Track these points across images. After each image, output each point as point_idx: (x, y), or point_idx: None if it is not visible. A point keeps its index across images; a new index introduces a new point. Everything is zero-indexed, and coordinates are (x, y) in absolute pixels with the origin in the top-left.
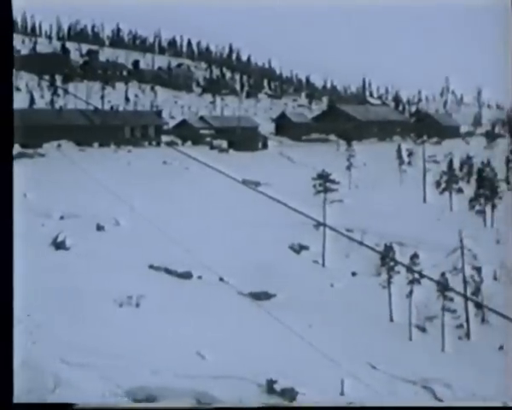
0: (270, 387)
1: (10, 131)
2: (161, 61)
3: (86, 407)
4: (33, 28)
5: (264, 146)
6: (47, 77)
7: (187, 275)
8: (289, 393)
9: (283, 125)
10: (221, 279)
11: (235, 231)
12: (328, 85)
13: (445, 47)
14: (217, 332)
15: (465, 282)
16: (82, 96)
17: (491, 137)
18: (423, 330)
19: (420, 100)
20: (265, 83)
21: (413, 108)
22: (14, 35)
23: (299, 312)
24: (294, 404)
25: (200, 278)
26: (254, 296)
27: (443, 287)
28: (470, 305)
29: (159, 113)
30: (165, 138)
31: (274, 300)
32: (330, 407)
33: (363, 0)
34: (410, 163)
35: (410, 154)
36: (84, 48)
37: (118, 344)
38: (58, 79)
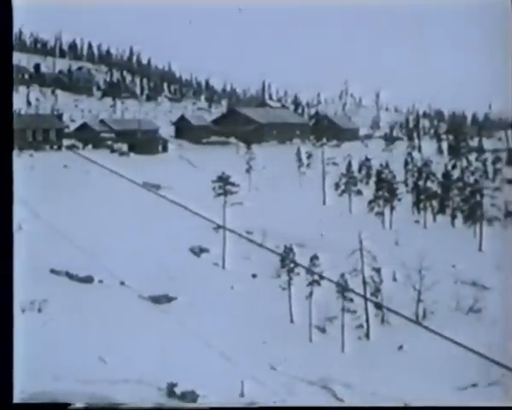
0: (170, 390)
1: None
2: (62, 65)
3: (83, 407)
4: None
5: (164, 149)
6: None
7: (88, 279)
8: (190, 396)
9: (183, 129)
10: (122, 283)
11: (136, 234)
12: (228, 88)
13: (345, 50)
14: (118, 336)
15: (365, 283)
16: None
17: (389, 139)
18: (323, 330)
19: (319, 103)
20: (165, 86)
21: (312, 111)
22: None
23: (200, 314)
24: (292, 404)
25: (101, 282)
26: (155, 300)
27: (342, 288)
28: (370, 305)
29: (59, 116)
30: (66, 142)
31: (174, 303)
32: (328, 407)
33: (261, 2)
34: (309, 165)
35: (310, 156)
36: None
37: (20, 349)
38: None
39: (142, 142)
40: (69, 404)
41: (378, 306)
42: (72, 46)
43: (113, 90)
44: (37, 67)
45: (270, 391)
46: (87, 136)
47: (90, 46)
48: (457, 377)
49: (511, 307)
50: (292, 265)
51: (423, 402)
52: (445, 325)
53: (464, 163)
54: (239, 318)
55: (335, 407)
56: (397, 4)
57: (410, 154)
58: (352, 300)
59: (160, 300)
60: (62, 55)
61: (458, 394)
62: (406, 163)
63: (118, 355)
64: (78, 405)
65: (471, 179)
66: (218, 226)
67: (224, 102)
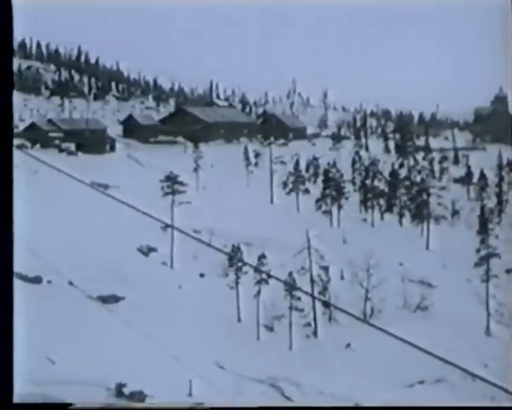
0: (119, 391)
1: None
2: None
3: (84, 407)
4: None
5: (112, 148)
6: None
7: (37, 280)
8: (138, 396)
9: (131, 128)
10: (70, 283)
11: (84, 234)
12: (176, 88)
13: (292, 49)
14: (66, 336)
15: (312, 281)
16: None
17: (336, 138)
18: (271, 329)
19: (267, 102)
20: (113, 85)
21: (260, 110)
22: None
23: (148, 314)
24: (290, 404)
25: (49, 282)
26: (103, 300)
27: (290, 287)
28: (317, 304)
29: None
30: (15, 141)
31: (122, 303)
32: (333, 407)
33: (208, 2)
34: (256, 164)
35: (257, 155)
36: None
37: None
38: None
39: (90, 141)
40: (70, 404)
41: (326, 304)
42: (22, 45)
43: (62, 90)
44: None
45: (219, 390)
46: (35, 135)
47: (38, 45)
48: (404, 374)
49: (458, 304)
50: (240, 264)
51: (371, 400)
52: (392, 322)
53: (411, 162)
54: (187, 317)
55: (334, 407)
56: (345, 3)
57: (357, 153)
58: (299, 298)
59: (108, 300)
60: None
61: (405, 391)
62: (354, 162)
63: (66, 356)
64: (79, 405)
65: (418, 178)
66: (166, 226)
67: (172, 102)
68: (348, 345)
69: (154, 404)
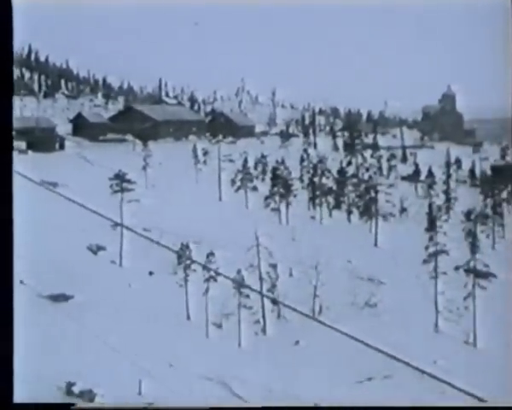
0: (68, 389)
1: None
2: None
3: (85, 407)
4: None
5: (62, 147)
6: None
7: None
8: (87, 394)
9: (80, 126)
10: (21, 282)
11: (33, 232)
12: (125, 86)
13: (241, 47)
14: (16, 335)
15: (261, 279)
16: None
17: (285, 136)
18: (220, 326)
19: (215, 100)
20: (63, 83)
21: (208, 108)
22: None
23: (97, 312)
24: (293, 404)
25: None
26: (53, 298)
27: (239, 284)
28: (266, 301)
29: None
30: None
31: (72, 301)
32: (333, 407)
33: (158, 0)
34: (205, 162)
35: (206, 153)
36: None
37: None
38: None
39: (41, 140)
40: (72, 404)
41: (274, 301)
42: None
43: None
44: None
45: (168, 389)
46: None
47: None
48: (353, 371)
49: (406, 301)
50: (188, 262)
51: (320, 397)
52: (340, 319)
53: (359, 160)
54: (136, 315)
55: (333, 406)
56: (293, 1)
57: (305, 150)
58: (248, 296)
59: (57, 298)
60: None
61: (354, 388)
62: (302, 159)
63: (17, 354)
64: (81, 405)
65: (366, 176)
66: (116, 224)
67: (121, 100)
68: (297, 342)
69: (153, 404)
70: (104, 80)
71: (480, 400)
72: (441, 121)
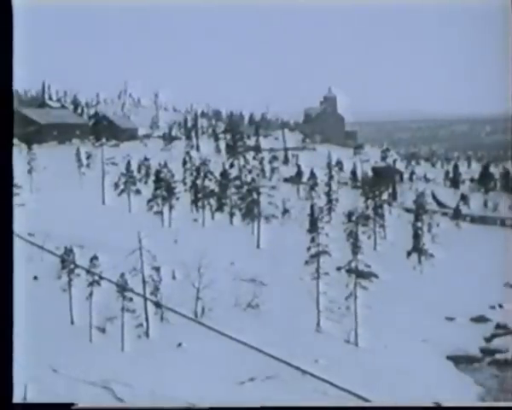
0: None
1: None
2: None
3: (85, 408)
4: None
5: None
6: None
7: None
8: None
9: None
10: None
11: None
12: None
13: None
14: None
15: (144, 282)
16: None
17: (168, 139)
18: (103, 330)
19: (98, 102)
20: None
21: (92, 111)
22: None
23: None
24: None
25: None
26: None
27: (122, 288)
28: (149, 304)
29: None
30: None
31: None
32: (334, 407)
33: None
34: (89, 166)
35: (89, 156)
36: None
37: None
38: None
39: None
40: (72, 404)
41: (157, 304)
42: None
43: None
44: None
45: (53, 394)
46: None
47: None
48: (235, 372)
49: (289, 302)
50: (72, 266)
51: (203, 398)
52: (223, 321)
53: (242, 162)
54: (20, 320)
55: (336, 407)
56: (177, 4)
57: (188, 153)
58: (131, 299)
59: None
60: None
61: (236, 388)
62: (184, 162)
63: None
64: (81, 405)
65: (248, 178)
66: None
67: None
68: (179, 345)
69: (153, 404)
70: None
71: (365, 400)
72: (323, 123)
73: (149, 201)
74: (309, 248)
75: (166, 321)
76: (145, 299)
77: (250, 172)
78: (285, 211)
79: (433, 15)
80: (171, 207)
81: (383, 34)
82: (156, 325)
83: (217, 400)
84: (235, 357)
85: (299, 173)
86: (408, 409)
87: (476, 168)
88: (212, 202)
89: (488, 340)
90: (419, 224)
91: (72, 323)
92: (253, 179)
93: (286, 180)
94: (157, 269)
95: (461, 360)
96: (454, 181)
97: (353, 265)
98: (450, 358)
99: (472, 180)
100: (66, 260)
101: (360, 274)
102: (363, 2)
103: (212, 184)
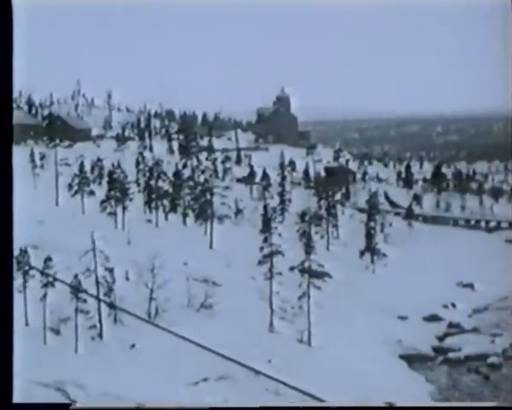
0: None
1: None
2: None
3: (84, 407)
4: None
5: None
6: None
7: None
8: None
9: None
10: None
11: None
12: None
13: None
14: None
15: (98, 283)
16: None
17: (121, 139)
18: (57, 332)
19: (52, 103)
20: None
21: (46, 112)
22: None
23: None
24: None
25: None
26: None
27: (76, 289)
28: (103, 305)
29: None
30: None
31: None
32: (337, 407)
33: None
34: (42, 166)
35: (43, 157)
36: None
37: None
38: None
39: None
40: (70, 404)
41: (111, 305)
42: None
43: None
44: None
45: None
46: None
47: None
48: (189, 372)
49: (242, 302)
50: (26, 267)
51: (155, 398)
52: (176, 322)
53: (195, 162)
54: None
55: (336, 407)
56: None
57: (141, 154)
58: (85, 300)
59: None
60: None
61: (189, 389)
62: (138, 163)
63: None
64: (79, 405)
65: (202, 178)
66: None
67: None
68: (133, 346)
69: (153, 404)
70: None
71: (319, 400)
72: (275, 123)
73: (103, 202)
74: (262, 249)
75: (120, 322)
76: (99, 300)
77: (203, 172)
78: (238, 211)
79: (382, 13)
80: (124, 208)
81: (335, 34)
82: (110, 327)
83: (170, 400)
84: (188, 358)
85: (252, 174)
86: (360, 409)
87: (428, 168)
88: (166, 202)
89: (441, 339)
90: (372, 224)
91: (26, 324)
92: (206, 180)
93: (239, 181)
94: (110, 270)
95: (413, 359)
96: (406, 181)
97: (306, 265)
98: (402, 357)
99: (424, 180)
100: (22, 262)
101: (313, 274)
102: (314, 2)
103: (165, 185)
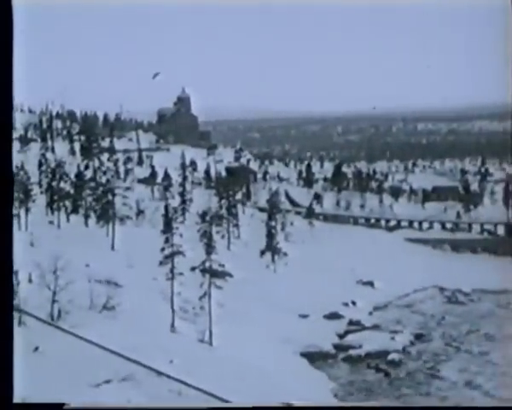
0: None
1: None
2: None
3: (77, 407)
4: None
5: None
6: None
7: None
8: None
9: None
10: None
11: None
12: None
13: None
14: None
15: None
16: None
17: (24, 141)
18: None
19: None
20: None
21: None
22: None
23: None
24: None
25: None
26: None
27: None
28: None
29: None
30: None
31: None
32: (333, 407)
33: None
34: None
35: None
36: None
37: None
38: None
39: None
40: (64, 404)
41: (15, 308)
42: None
43: None
44: None
45: None
46: None
47: None
48: (91, 374)
49: (144, 303)
50: None
51: (61, 400)
52: (79, 323)
53: (96, 163)
54: None
55: (337, 406)
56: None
57: (43, 155)
58: None
59: None
60: None
61: (92, 391)
62: (40, 164)
63: None
64: (73, 405)
65: (103, 179)
66: None
67: None
68: (36, 348)
69: (153, 404)
70: None
71: (221, 400)
72: (176, 124)
73: None
74: (163, 249)
75: (24, 325)
76: None
77: (105, 173)
78: (139, 212)
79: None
80: (27, 210)
81: (236, 33)
82: (14, 330)
83: (73, 402)
84: (91, 359)
85: (154, 174)
86: (260, 409)
87: (329, 168)
88: (68, 203)
89: (341, 336)
90: (273, 223)
91: None
92: (107, 181)
93: (140, 181)
94: (15, 273)
95: (315, 357)
96: (307, 180)
97: (207, 264)
98: (304, 355)
99: (325, 179)
100: None
101: (214, 274)
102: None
103: (67, 186)
